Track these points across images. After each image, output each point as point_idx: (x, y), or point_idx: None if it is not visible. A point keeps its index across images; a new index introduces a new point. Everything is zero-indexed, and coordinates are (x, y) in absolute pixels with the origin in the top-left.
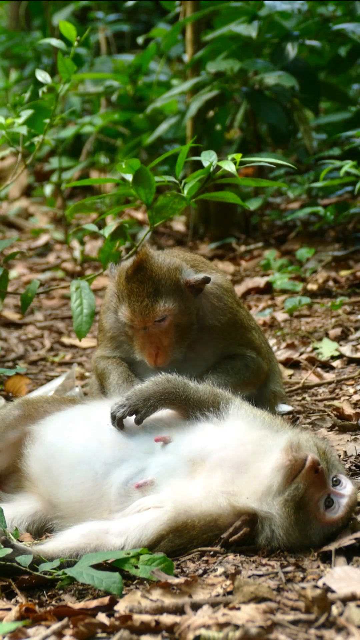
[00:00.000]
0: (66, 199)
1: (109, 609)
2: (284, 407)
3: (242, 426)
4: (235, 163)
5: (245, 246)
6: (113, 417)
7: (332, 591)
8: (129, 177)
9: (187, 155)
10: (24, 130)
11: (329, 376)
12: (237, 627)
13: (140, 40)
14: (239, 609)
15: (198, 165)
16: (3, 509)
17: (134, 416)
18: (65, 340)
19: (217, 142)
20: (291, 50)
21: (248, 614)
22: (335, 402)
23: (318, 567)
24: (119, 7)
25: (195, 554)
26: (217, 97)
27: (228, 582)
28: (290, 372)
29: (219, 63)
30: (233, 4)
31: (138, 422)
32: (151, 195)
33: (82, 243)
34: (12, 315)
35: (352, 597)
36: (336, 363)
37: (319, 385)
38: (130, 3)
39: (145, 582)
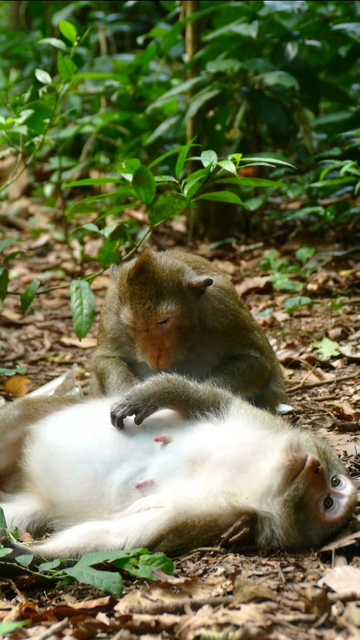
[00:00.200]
0: (66, 199)
1: (109, 609)
2: (284, 407)
3: (242, 426)
4: (235, 163)
5: (245, 246)
6: (113, 416)
7: (332, 591)
8: (129, 177)
9: (187, 155)
10: (24, 130)
11: (329, 376)
12: (237, 627)
13: (140, 40)
14: (239, 609)
15: (198, 165)
16: (3, 509)
17: (133, 416)
18: (65, 340)
19: (217, 142)
20: (291, 50)
21: (248, 614)
22: (335, 402)
23: (318, 567)
24: (119, 7)
25: (195, 554)
26: (217, 97)
27: (228, 582)
28: (290, 372)
29: (219, 63)
30: (233, 4)
31: (138, 421)
32: (151, 195)
33: (82, 243)
34: (12, 315)
35: (352, 597)
36: (336, 363)
37: (319, 385)
38: (130, 3)
39: (145, 582)
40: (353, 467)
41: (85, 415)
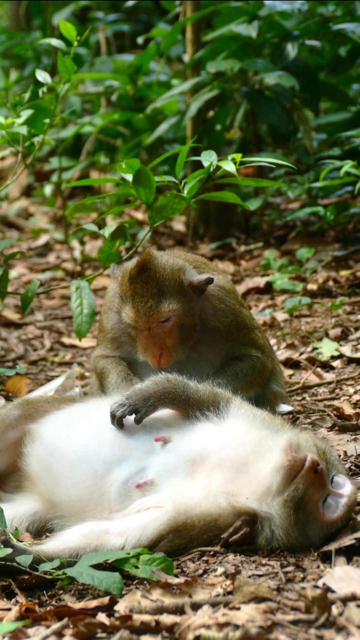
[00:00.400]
0: (66, 199)
1: (109, 609)
2: (284, 407)
3: (242, 426)
4: (235, 163)
5: (245, 246)
6: (113, 416)
7: (332, 591)
8: (129, 177)
9: (187, 155)
10: (24, 130)
11: (329, 376)
12: (237, 627)
13: (140, 40)
14: (239, 609)
15: (198, 165)
16: (3, 509)
17: (133, 415)
18: (65, 340)
19: (217, 142)
20: (291, 50)
21: (248, 614)
22: (335, 402)
23: (318, 567)
24: (119, 7)
25: (195, 554)
26: (217, 97)
27: (228, 582)
28: (290, 372)
29: (219, 63)
30: (233, 4)
31: (138, 421)
32: (151, 195)
33: (82, 243)
34: (12, 315)
35: (352, 597)
36: (336, 363)
37: (319, 385)
38: (130, 3)
39: (145, 582)
40: (353, 467)
41: (85, 414)
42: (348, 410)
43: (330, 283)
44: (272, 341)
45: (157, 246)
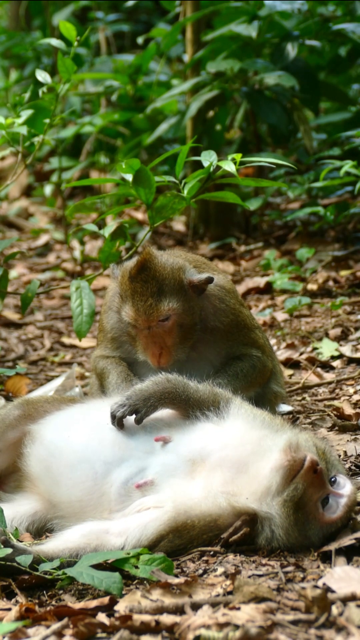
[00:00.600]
0: (66, 199)
1: (109, 609)
2: (284, 407)
3: (242, 426)
4: (235, 163)
5: (245, 246)
6: (113, 416)
7: (332, 591)
8: (129, 177)
9: (187, 155)
10: (24, 130)
11: (329, 376)
12: (237, 627)
13: (140, 40)
14: (239, 609)
15: (198, 165)
16: (3, 509)
17: (133, 416)
18: (65, 340)
19: (217, 142)
20: (291, 50)
21: (248, 614)
22: (335, 402)
23: (318, 567)
24: (119, 7)
25: (195, 554)
26: (217, 97)
27: (228, 582)
28: (290, 372)
29: (219, 63)
30: (233, 4)
31: (138, 421)
32: (151, 195)
33: (82, 243)
34: (12, 315)
35: (352, 597)
36: (336, 363)
37: (319, 385)
38: (130, 3)
39: (145, 582)
40: (353, 467)
41: (85, 415)
42: (348, 410)
43: (330, 283)
44: (272, 341)
45: (157, 246)
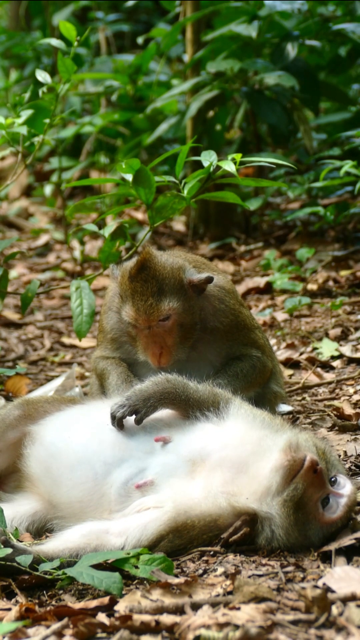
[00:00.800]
0: (66, 199)
1: (109, 609)
2: (284, 407)
3: (242, 426)
4: (235, 163)
5: (245, 246)
6: (113, 417)
7: (332, 591)
8: (129, 177)
9: (187, 155)
10: (24, 130)
11: (329, 376)
12: (237, 627)
13: (140, 40)
14: (239, 609)
15: (198, 165)
16: (3, 509)
17: (133, 416)
18: (65, 340)
19: (217, 142)
20: (291, 50)
21: (248, 614)
22: (335, 402)
23: (318, 567)
24: (119, 7)
25: (195, 554)
26: (217, 97)
27: (228, 582)
28: (290, 372)
29: (219, 63)
30: (233, 4)
31: (138, 422)
32: (151, 195)
33: (82, 243)
34: (12, 315)
35: (352, 597)
36: (336, 363)
37: (319, 385)
38: (130, 3)
39: (145, 582)
40: (353, 467)
41: (85, 415)
42: (348, 410)
43: (330, 283)
44: (272, 341)
45: (157, 246)
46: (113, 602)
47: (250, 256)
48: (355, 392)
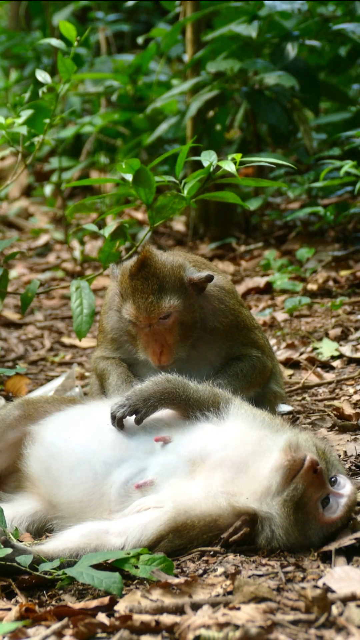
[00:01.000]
0: (66, 199)
1: (109, 609)
2: (284, 407)
3: (242, 426)
4: (235, 163)
5: (245, 246)
6: (113, 417)
7: (332, 591)
8: (129, 177)
9: (187, 155)
10: (24, 130)
11: (329, 376)
12: (237, 627)
13: (140, 40)
14: (239, 609)
15: (198, 165)
16: (3, 509)
17: (133, 416)
18: (65, 340)
19: (217, 142)
20: (291, 50)
21: (248, 614)
22: (335, 402)
23: (318, 567)
24: (119, 7)
25: (195, 554)
26: (217, 97)
27: (228, 582)
28: (290, 372)
29: (219, 63)
30: (233, 4)
31: (138, 422)
32: (151, 195)
33: (82, 243)
34: (12, 315)
35: (352, 597)
36: (336, 363)
37: (319, 385)
38: (130, 3)
39: (145, 582)
40: (353, 467)
41: (85, 415)
42: (348, 410)
43: (330, 283)
44: (272, 341)
45: (157, 246)
46: (113, 602)
47: (250, 256)
48: (355, 392)
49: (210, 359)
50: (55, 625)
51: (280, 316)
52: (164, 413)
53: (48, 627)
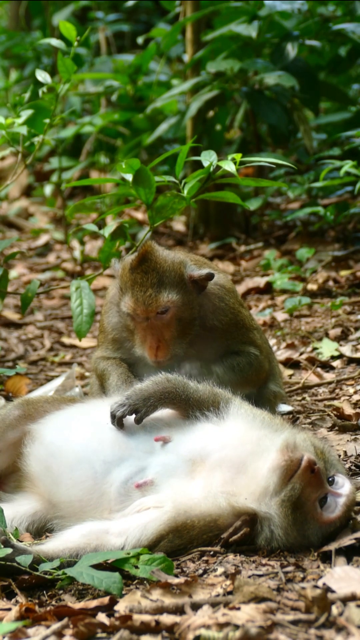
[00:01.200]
0: (66, 199)
1: (109, 609)
2: (284, 407)
3: (241, 426)
4: (235, 163)
5: (245, 246)
6: (113, 416)
7: (332, 591)
8: (129, 177)
9: (187, 155)
10: (24, 130)
11: (329, 376)
12: (237, 627)
13: (140, 40)
14: (239, 609)
15: (198, 165)
16: (3, 509)
17: (133, 415)
18: (65, 340)
19: (217, 142)
20: (291, 50)
21: (248, 614)
22: (335, 402)
23: (318, 567)
24: (119, 7)
25: (195, 554)
26: (217, 97)
27: (228, 582)
28: (290, 372)
29: (219, 63)
30: (233, 4)
31: (138, 421)
32: (151, 195)
33: (82, 243)
34: (12, 315)
35: (352, 597)
36: (336, 363)
37: (319, 385)
38: (130, 3)
39: (145, 582)
40: (353, 467)
41: (85, 415)
42: (348, 410)
43: (330, 283)
44: (272, 341)
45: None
46: (113, 602)
47: (250, 256)
48: (355, 392)
49: (209, 357)
50: (55, 625)
51: (280, 316)
52: (163, 413)
53: (48, 627)
